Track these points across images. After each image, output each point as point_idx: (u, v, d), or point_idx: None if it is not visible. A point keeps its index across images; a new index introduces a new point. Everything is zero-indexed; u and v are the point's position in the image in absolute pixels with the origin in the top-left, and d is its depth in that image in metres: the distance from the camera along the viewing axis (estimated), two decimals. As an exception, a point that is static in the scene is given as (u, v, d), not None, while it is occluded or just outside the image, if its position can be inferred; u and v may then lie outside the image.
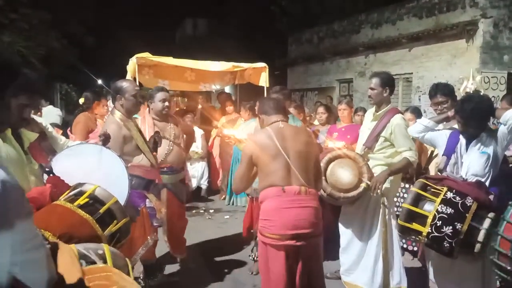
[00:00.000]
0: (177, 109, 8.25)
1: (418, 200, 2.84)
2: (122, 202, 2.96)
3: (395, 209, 4.95)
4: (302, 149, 2.83)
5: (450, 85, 3.97)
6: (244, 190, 2.64)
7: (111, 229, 2.05)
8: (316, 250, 2.82)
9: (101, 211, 2.07)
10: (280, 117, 2.97)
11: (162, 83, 6.60)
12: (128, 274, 1.64)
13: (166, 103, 4.07)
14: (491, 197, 2.90)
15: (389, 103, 3.79)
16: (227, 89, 10.54)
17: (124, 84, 3.56)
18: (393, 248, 3.72)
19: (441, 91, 3.77)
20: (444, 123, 3.66)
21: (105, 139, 4.02)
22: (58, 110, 9.54)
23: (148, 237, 3.59)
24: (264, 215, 2.77)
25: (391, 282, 3.70)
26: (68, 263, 1.36)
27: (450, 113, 3.44)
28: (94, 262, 1.55)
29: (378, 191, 3.55)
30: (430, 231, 2.71)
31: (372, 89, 3.76)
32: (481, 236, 2.59)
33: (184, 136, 4.37)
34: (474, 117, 2.99)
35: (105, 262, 1.58)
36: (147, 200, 3.57)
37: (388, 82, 3.78)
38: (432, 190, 2.86)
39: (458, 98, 3.91)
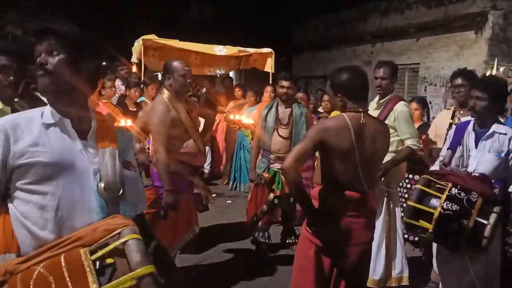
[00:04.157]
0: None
1: (423, 197, 2.79)
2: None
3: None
4: (375, 152, 2.51)
5: (474, 72, 3.91)
6: (296, 169, 2.34)
7: None
8: (365, 257, 2.63)
9: None
10: (363, 107, 2.49)
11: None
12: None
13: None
14: (496, 190, 2.89)
15: (393, 91, 3.77)
16: (231, 74, 10.49)
17: (174, 63, 3.41)
18: (396, 237, 3.72)
19: (463, 75, 3.70)
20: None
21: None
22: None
23: (194, 224, 3.58)
24: None
25: (393, 271, 3.71)
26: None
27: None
28: None
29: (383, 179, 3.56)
30: (436, 228, 2.67)
31: (382, 78, 3.67)
32: (487, 232, 2.56)
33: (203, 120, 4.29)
34: (495, 90, 2.93)
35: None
36: (194, 187, 3.54)
37: (396, 71, 3.78)
38: (437, 186, 2.82)
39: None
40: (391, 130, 3.66)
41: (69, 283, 1.23)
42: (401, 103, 3.68)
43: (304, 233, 2.55)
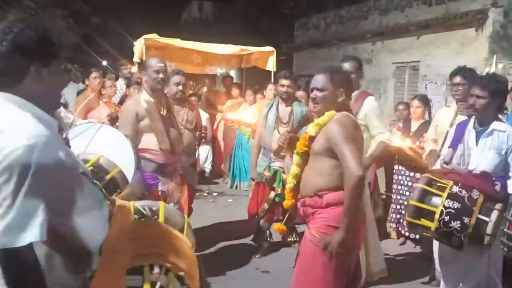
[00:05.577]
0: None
1: (424, 195, 2.80)
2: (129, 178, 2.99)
3: (398, 197, 4.98)
4: None
5: (474, 70, 3.88)
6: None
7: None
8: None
9: (107, 177, 2.14)
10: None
11: (169, 65, 6.60)
12: (182, 231, 1.84)
13: (180, 87, 4.04)
14: (498, 187, 2.89)
15: (359, 87, 3.75)
16: (231, 73, 10.50)
17: (149, 61, 3.55)
18: (371, 235, 3.70)
19: (463, 73, 3.68)
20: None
21: (112, 120, 4.02)
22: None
23: None
24: (337, 223, 2.34)
25: (374, 268, 3.71)
26: (119, 220, 1.55)
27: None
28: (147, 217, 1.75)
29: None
30: (438, 226, 2.68)
31: (350, 73, 3.41)
32: (489, 229, 2.57)
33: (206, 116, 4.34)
34: (494, 88, 2.95)
35: (158, 218, 1.77)
36: (160, 183, 3.51)
37: (361, 66, 3.80)
38: (438, 184, 2.83)
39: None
40: (362, 128, 3.65)
41: (178, 241, 1.71)
42: (370, 98, 3.69)
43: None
